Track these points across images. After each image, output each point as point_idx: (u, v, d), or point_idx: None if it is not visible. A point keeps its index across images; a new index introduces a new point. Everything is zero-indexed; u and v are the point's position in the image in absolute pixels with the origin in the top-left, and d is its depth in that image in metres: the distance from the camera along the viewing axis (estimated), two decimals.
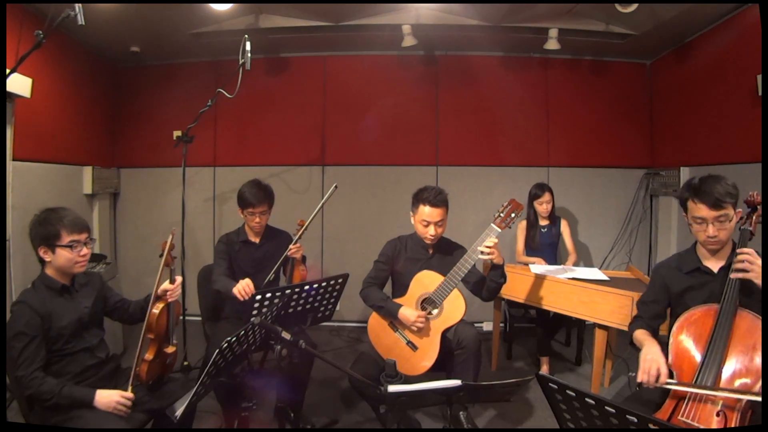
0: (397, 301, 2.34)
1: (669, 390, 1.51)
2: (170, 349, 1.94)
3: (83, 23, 2.00)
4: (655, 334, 1.78)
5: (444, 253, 2.43)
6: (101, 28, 3.30)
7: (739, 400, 1.38)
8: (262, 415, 2.25)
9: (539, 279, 2.84)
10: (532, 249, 3.44)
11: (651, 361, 1.51)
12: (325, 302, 2.17)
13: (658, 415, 1.48)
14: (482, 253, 2.12)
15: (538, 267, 3.10)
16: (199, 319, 2.81)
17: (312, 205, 4.14)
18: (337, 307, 2.27)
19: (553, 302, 2.79)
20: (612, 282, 2.75)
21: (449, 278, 2.20)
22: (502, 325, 3.33)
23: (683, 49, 3.63)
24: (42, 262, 1.74)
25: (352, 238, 4.15)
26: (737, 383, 1.43)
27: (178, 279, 1.96)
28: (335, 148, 4.18)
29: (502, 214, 2.16)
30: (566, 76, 4.14)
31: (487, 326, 3.84)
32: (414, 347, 2.27)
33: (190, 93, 4.02)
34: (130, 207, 4.28)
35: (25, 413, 1.69)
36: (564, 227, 3.48)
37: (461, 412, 2.19)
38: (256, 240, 2.65)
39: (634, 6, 2.91)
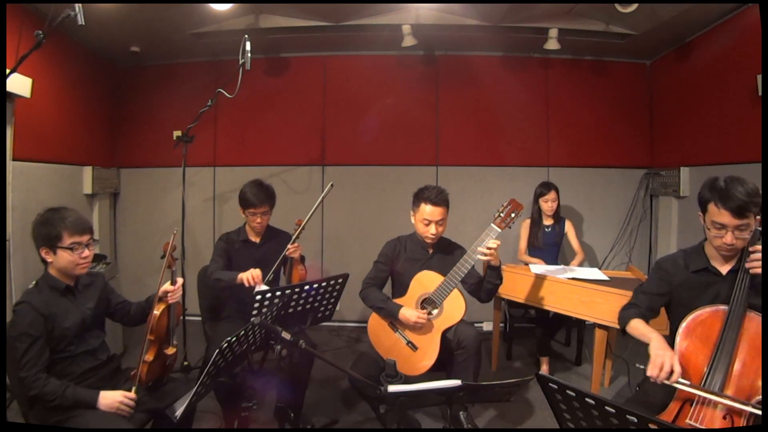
0: (397, 301, 2.34)
1: (673, 392, 1.49)
2: (170, 350, 1.94)
3: (83, 23, 2.00)
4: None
5: (444, 253, 2.43)
6: (101, 28, 3.30)
7: (747, 403, 1.37)
8: (262, 415, 2.25)
9: (539, 279, 2.84)
10: (535, 247, 3.44)
11: (664, 356, 1.46)
12: (325, 302, 2.17)
13: (662, 416, 1.47)
14: (482, 254, 2.12)
15: (538, 267, 3.10)
16: (199, 319, 2.81)
17: (312, 205, 4.18)
18: (337, 307, 2.27)
19: (553, 302, 2.79)
20: (612, 282, 2.75)
21: (449, 278, 2.20)
22: (502, 325, 3.33)
23: (683, 49, 3.63)
24: (45, 261, 1.74)
25: (352, 238, 4.15)
26: (745, 385, 1.41)
27: (179, 281, 1.97)
28: (335, 148, 4.18)
29: (502, 214, 2.16)
30: (566, 76, 4.14)
31: (487, 326, 3.84)
32: (414, 347, 2.27)
33: (190, 93, 4.02)
34: (130, 207, 4.28)
35: (25, 413, 1.69)
36: (569, 228, 3.49)
37: (461, 412, 2.19)
38: (257, 240, 2.66)
39: (634, 6, 2.91)
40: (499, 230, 2.14)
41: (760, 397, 1.38)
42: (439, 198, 2.30)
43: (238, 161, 4.19)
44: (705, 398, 1.41)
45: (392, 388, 1.49)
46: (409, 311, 2.25)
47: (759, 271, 1.49)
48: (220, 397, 2.24)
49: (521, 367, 3.32)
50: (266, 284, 2.52)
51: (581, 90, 4.14)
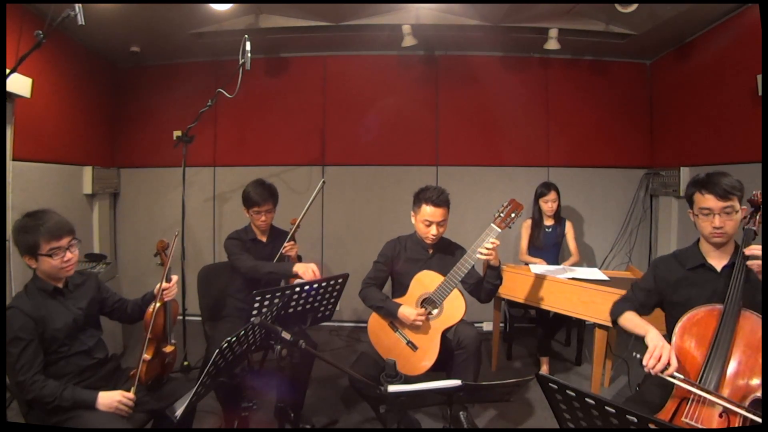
0: (397, 301, 2.34)
1: (671, 390, 1.50)
2: (169, 349, 1.93)
3: (83, 23, 2.00)
4: None
5: (444, 253, 2.43)
6: (101, 28, 3.30)
7: (742, 401, 1.38)
8: (262, 415, 2.25)
9: (539, 279, 2.84)
10: (536, 248, 3.45)
11: (661, 348, 1.49)
12: (325, 302, 2.17)
13: (660, 415, 1.47)
14: (481, 253, 2.12)
15: (539, 267, 3.10)
16: (199, 319, 2.81)
17: (312, 205, 4.17)
18: (337, 307, 2.27)
19: (553, 302, 2.79)
20: (612, 282, 2.74)
21: (449, 278, 2.20)
22: (502, 325, 3.33)
23: (683, 49, 3.63)
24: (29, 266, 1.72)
25: (352, 238, 4.15)
26: (741, 384, 1.42)
27: (174, 278, 1.96)
28: (335, 148, 4.18)
29: (502, 214, 2.16)
30: (566, 76, 4.14)
31: (487, 326, 3.84)
32: (414, 347, 2.27)
33: (190, 93, 4.02)
34: (130, 207, 4.28)
35: (25, 413, 1.69)
36: (569, 229, 3.49)
37: (461, 412, 2.18)
38: (264, 238, 2.68)
39: (634, 6, 2.91)
40: (499, 230, 2.15)
41: (756, 395, 1.39)
42: (440, 199, 2.30)
43: (238, 161, 4.19)
44: (701, 396, 1.42)
45: (392, 388, 1.49)
46: (408, 309, 2.25)
47: (758, 268, 1.49)
48: (220, 397, 2.24)
49: (521, 367, 3.32)
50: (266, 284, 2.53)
51: (581, 90, 4.14)
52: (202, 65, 4.17)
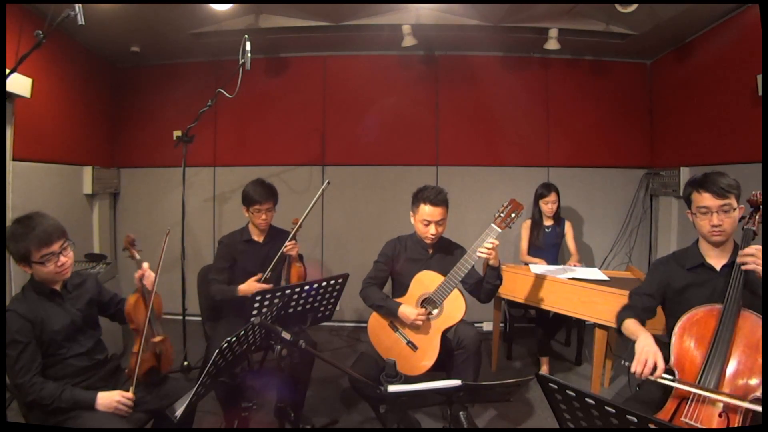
0: (397, 301, 2.34)
1: (671, 390, 1.50)
2: (157, 339, 1.89)
3: (83, 23, 2.00)
4: (643, 325, 1.76)
5: (444, 253, 2.43)
6: (101, 28, 3.30)
7: (742, 400, 1.38)
8: (262, 415, 2.25)
9: (539, 279, 2.84)
10: (536, 248, 3.45)
11: (647, 353, 1.50)
12: (325, 302, 2.17)
13: (659, 415, 1.47)
14: (481, 253, 2.12)
15: (538, 267, 3.10)
16: (199, 319, 2.81)
17: (312, 206, 4.18)
18: (337, 307, 2.27)
19: (553, 302, 2.79)
20: (612, 282, 2.75)
21: (449, 278, 2.20)
22: (502, 325, 3.33)
23: (683, 49, 3.63)
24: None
25: (352, 238, 4.15)
26: (740, 383, 1.42)
27: (145, 264, 1.92)
28: (335, 148, 4.18)
29: (502, 214, 2.16)
30: (566, 76, 4.14)
31: (487, 326, 3.84)
32: (414, 347, 2.27)
33: (190, 93, 4.02)
34: (130, 207, 4.28)
35: (25, 413, 1.69)
36: (568, 229, 3.49)
37: (461, 412, 2.18)
38: (260, 239, 2.67)
39: (634, 6, 2.91)
40: (500, 230, 2.14)
41: (756, 394, 1.39)
42: (439, 198, 2.30)
43: (238, 161, 4.19)
44: (700, 396, 1.42)
45: (392, 388, 1.49)
46: (408, 309, 2.25)
47: (752, 267, 1.50)
48: (220, 397, 2.24)
49: (521, 367, 3.32)
50: (265, 282, 2.53)
51: (581, 90, 4.14)
52: (202, 65, 4.17)
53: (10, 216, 2.77)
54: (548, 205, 3.38)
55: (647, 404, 1.63)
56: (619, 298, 2.48)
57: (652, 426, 1.03)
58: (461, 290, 2.28)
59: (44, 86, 3.14)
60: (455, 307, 2.23)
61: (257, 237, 2.67)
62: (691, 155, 3.55)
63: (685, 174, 3.55)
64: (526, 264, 3.32)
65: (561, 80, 4.14)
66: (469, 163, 4.14)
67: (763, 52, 2.39)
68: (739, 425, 1.36)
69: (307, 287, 2.04)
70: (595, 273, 2.95)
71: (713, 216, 1.62)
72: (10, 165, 2.89)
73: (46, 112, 3.25)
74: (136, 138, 4.25)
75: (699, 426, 1.39)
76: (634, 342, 1.68)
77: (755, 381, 1.41)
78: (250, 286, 2.45)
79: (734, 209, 1.61)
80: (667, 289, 1.77)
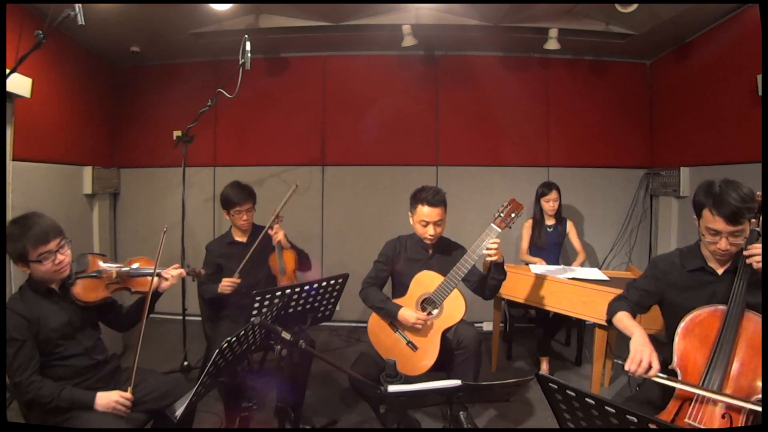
0: (397, 301, 2.34)
1: (672, 391, 1.50)
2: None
3: (83, 23, 1.99)
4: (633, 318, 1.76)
5: (444, 253, 2.43)
6: (101, 28, 3.30)
7: (737, 400, 1.37)
8: (262, 415, 2.25)
9: (539, 279, 2.84)
10: (537, 247, 3.45)
11: (642, 352, 1.48)
12: (325, 302, 2.17)
13: (661, 416, 1.46)
14: (488, 249, 2.12)
15: (538, 267, 3.10)
16: (199, 319, 2.81)
17: (312, 205, 4.19)
18: (337, 307, 2.27)
19: (553, 302, 2.79)
20: (612, 282, 2.75)
21: (449, 278, 2.20)
22: (502, 325, 3.33)
23: (683, 49, 3.63)
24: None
25: (352, 238, 4.15)
26: (744, 385, 1.41)
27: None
28: (335, 148, 4.18)
29: (502, 214, 2.16)
30: (566, 76, 4.14)
31: (487, 326, 3.84)
32: (414, 347, 2.27)
33: (190, 93, 4.02)
34: (130, 207, 4.28)
35: (25, 413, 1.69)
36: (570, 228, 3.50)
37: (461, 412, 2.19)
38: (244, 239, 2.70)
39: (634, 6, 2.91)
40: (500, 230, 2.14)
41: (759, 396, 1.38)
42: (436, 198, 2.29)
43: (238, 161, 4.19)
44: (703, 397, 1.42)
45: (392, 388, 1.49)
46: (408, 312, 2.24)
47: (758, 265, 1.49)
48: (223, 395, 2.24)
49: (521, 367, 3.32)
50: (252, 278, 2.57)
51: (581, 90, 4.14)
52: (202, 65, 4.17)
53: (11, 216, 2.77)
54: (549, 204, 3.39)
55: (647, 404, 1.62)
56: None
57: (652, 426, 1.03)
58: (461, 290, 2.28)
59: (44, 86, 3.14)
60: (455, 307, 2.22)
61: (240, 237, 2.71)
62: (691, 155, 3.55)
63: (685, 174, 3.56)
64: (526, 263, 3.32)
65: (561, 80, 4.14)
66: (469, 163, 4.14)
67: (763, 52, 2.39)
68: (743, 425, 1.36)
69: (307, 287, 2.04)
70: (595, 273, 2.95)
71: (722, 240, 1.53)
72: (10, 165, 2.89)
73: (46, 112, 3.25)
74: (136, 138, 4.25)
75: (702, 427, 1.39)
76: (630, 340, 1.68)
77: (759, 382, 1.40)
78: (224, 282, 2.49)
79: (745, 235, 1.52)
80: (665, 287, 1.75)
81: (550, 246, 3.45)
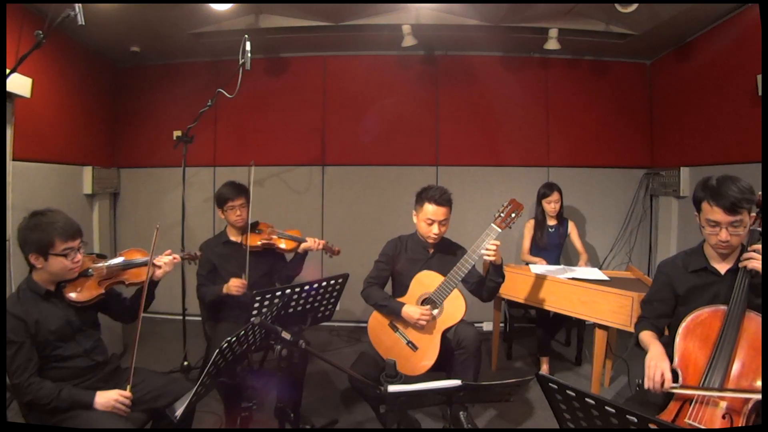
0: (399, 300, 2.34)
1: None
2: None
3: (83, 23, 1.99)
4: (661, 333, 1.76)
5: (444, 253, 2.43)
6: (101, 28, 3.30)
7: (746, 402, 1.37)
8: (262, 415, 2.25)
9: (539, 279, 2.84)
10: (539, 248, 3.45)
11: (655, 368, 1.50)
12: (325, 302, 2.17)
13: (662, 416, 1.47)
14: (487, 249, 2.12)
15: (538, 267, 3.10)
16: (199, 319, 2.81)
17: (312, 205, 4.19)
18: (337, 307, 2.27)
19: (553, 302, 2.79)
20: (612, 282, 2.75)
21: (449, 278, 2.20)
22: (502, 325, 3.33)
23: (683, 49, 3.64)
24: (32, 266, 1.69)
25: (352, 238, 4.15)
26: (744, 385, 1.42)
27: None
28: (335, 148, 4.18)
29: (502, 215, 2.16)
30: (566, 76, 4.14)
31: (487, 326, 3.84)
32: (414, 347, 2.27)
33: (190, 93, 4.02)
34: (130, 207, 4.28)
35: (25, 413, 1.69)
36: (572, 228, 3.50)
37: (461, 412, 2.18)
38: (238, 239, 2.69)
39: (634, 6, 2.91)
40: (500, 230, 2.15)
41: (760, 396, 1.39)
42: (443, 198, 2.30)
43: (238, 161, 4.17)
44: (704, 397, 1.42)
45: (392, 388, 1.49)
46: (412, 308, 2.25)
47: (754, 266, 1.49)
48: (223, 395, 2.24)
49: (521, 367, 3.32)
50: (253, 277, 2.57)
51: (581, 90, 4.14)
52: (202, 65, 4.17)
53: (10, 216, 2.77)
54: (551, 205, 3.39)
55: (647, 404, 1.62)
56: (619, 298, 2.49)
57: (652, 426, 1.03)
58: (461, 290, 2.28)
59: (44, 86, 3.14)
60: (455, 307, 2.23)
61: (235, 237, 2.71)
62: (691, 155, 3.55)
63: (685, 174, 3.56)
64: (527, 264, 3.32)
65: (561, 80, 4.14)
66: (469, 163, 4.14)
67: (763, 52, 2.39)
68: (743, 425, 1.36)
69: (307, 287, 2.04)
70: (595, 273, 2.95)
71: (722, 232, 1.55)
72: (10, 165, 2.89)
73: (46, 112, 3.25)
74: (136, 138, 4.25)
75: (702, 427, 1.39)
76: (636, 342, 1.68)
77: (759, 383, 1.40)
78: (230, 285, 2.49)
79: (745, 225, 1.54)
80: (674, 290, 1.75)
81: (552, 246, 3.45)
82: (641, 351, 1.62)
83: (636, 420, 1.02)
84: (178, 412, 1.65)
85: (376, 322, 2.39)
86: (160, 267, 1.92)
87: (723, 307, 1.53)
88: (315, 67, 4.19)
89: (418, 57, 4.14)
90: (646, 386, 1.49)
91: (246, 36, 2.88)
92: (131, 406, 1.69)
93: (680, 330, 1.57)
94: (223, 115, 4.16)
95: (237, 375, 1.99)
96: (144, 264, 1.94)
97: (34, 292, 1.69)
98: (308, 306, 2.11)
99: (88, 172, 3.72)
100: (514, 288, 2.91)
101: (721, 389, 1.40)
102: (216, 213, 4.17)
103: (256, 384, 2.11)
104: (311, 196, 4.19)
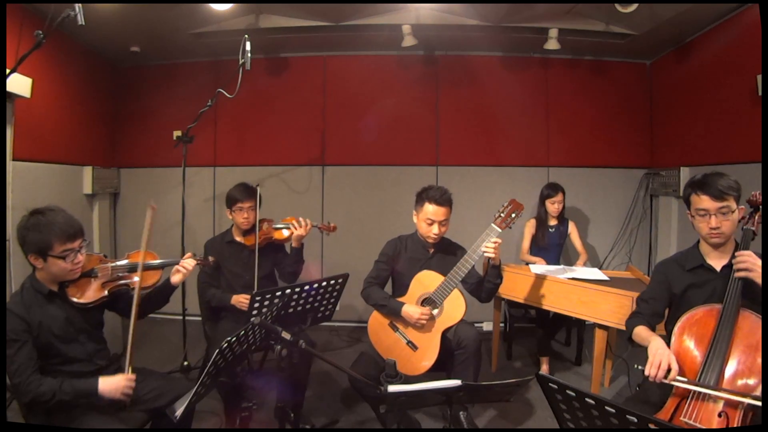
0: (399, 300, 2.34)
1: (671, 390, 1.50)
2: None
3: (83, 23, 1.99)
4: (653, 331, 1.77)
5: (444, 253, 2.43)
6: (101, 28, 3.30)
7: (746, 395, 1.38)
8: (262, 415, 2.25)
9: (539, 279, 2.84)
10: (539, 248, 3.46)
11: (660, 356, 1.50)
12: (325, 302, 2.17)
13: (659, 415, 1.47)
14: (487, 248, 2.13)
15: (538, 267, 3.10)
16: (199, 319, 2.81)
17: (312, 205, 4.19)
18: (337, 307, 2.27)
19: (553, 302, 2.79)
20: (612, 282, 2.75)
21: (449, 278, 2.20)
22: (502, 325, 3.33)
23: (683, 49, 3.63)
24: (32, 265, 1.66)
25: (352, 238, 4.15)
26: (739, 383, 1.42)
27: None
28: (335, 148, 4.18)
29: (502, 215, 2.17)
30: (566, 76, 4.14)
31: (487, 326, 3.84)
32: (414, 347, 2.27)
33: (190, 93, 4.02)
34: (130, 207, 4.28)
35: (25, 413, 1.69)
36: (572, 228, 3.50)
37: (461, 412, 2.19)
38: (242, 239, 2.70)
39: (634, 6, 2.91)
40: (500, 230, 2.15)
41: (755, 394, 1.39)
42: (443, 198, 2.30)
43: (238, 161, 4.19)
44: (699, 394, 1.43)
45: (392, 388, 1.49)
46: (411, 308, 2.25)
47: (745, 274, 1.51)
48: (223, 395, 2.24)
49: (521, 367, 3.32)
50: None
51: (581, 90, 4.14)
52: (202, 65, 4.17)
53: (10, 216, 2.77)
54: (555, 205, 3.39)
55: (647, 404, 1.63)
56: (619, 298, 2.49)
57: (652, 426, 1.03)
58: (461, 290, 2.28)
59: (44, 86, 3.14)
60: (455, 307, 2.23)
61: (239, 238, 2.71)
62: (691, 155, 3.55)
63: (685, 174, 3.55)
64: (527, 263, 3.32)
65: (561, 80, 4.14)
66: (469, 163, 4.14)
67: (763, 52, 2.39)
68: (738, 425, 1.36)
69: (307, 287, 2.04)
70: (595, 273, 2.95)
71: (711, 218, 1.61)
72: (10, 165, 2.89)
73: (46, 112, 3.25)
74: (136, 138, 4.25)
75: (698, 425, 1.39)
76: (638, 345, 1.68)
77: (754, 381, 1.41)
78: (239, 299, 2.51)
79: (733, 211, 1.60)
80: (670, 291, 1.77)
81: (552, 246, 3.45)
82: (641, 351, 1.62)
83: (636, 420, 1.02)
84: (178, 412, 1.65)
85: (376, 321, 2.39)
86: (179, 270, 1.92)
87: (718, 306, 1.55)
88: (315, 67, 4.19)
89: (418, 57, 4.14)
90: (647, 373, 1.49)
91: (246, 36, 2.88)
92: (131, 406, 1.68)
93: (676, 329, 1.58)
94: (223, 115, 4.16)
95: (237, 375, 1.99)
96: (151, 267, 1.93)
97: (38, 291, 1.67)
98: (308, 306, 2.11)
99: (88, 172, 3.72)
100: (514, 288, 2.91)
101: (721, 389, 1.40)
102: (216, 213, 4.20)
103: (256, 384, 2.11)
104: (311, 196, 4.19)
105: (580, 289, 2.68)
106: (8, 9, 2.57)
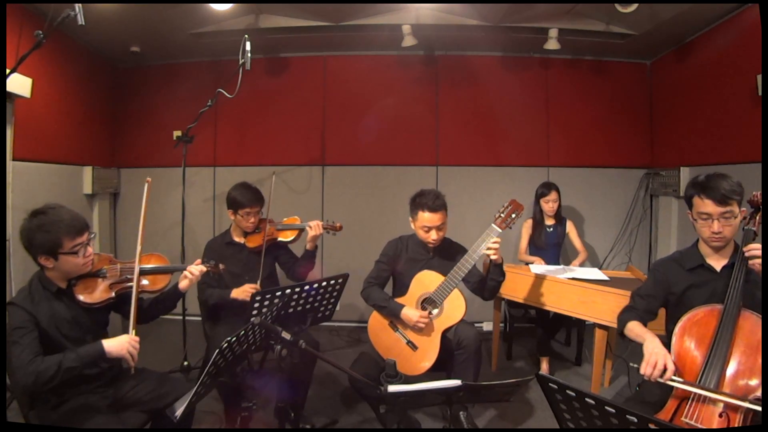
0: (398, 301, 2.34)
1: (671, 390, 1.50)
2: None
3: (83, 23, 1.99)
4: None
5: (444, 253, 2.43)
6: (101, 28, 3.30)
7: (744, 402, 1.38)
8: (262, 415, 2.25)
9: (539, 279, 2.84)
10: (537, 247, 3.45)
11: (656, 355, 1.49)
12: (325, 302, 2.17)
13: (660, 415, 1.47)
14: (489, 248, 2.13)
15: (538, 267, 3.10)
16: (199, 319, 2.81)
17: (312, 205, 4.19)
18: (337, 307, 2.27)
19: (553, 302, 2.79)
20: (612, 282, 2.75)
21: (449, 278, 2.21)
22: (502, 325, 3.33)
23: (683, 49, 3.64)
24: (41, 266, 1.65)
25: (352, 238, 4.14)
26: (741, 384, 1.42)
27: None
28: (335, 148, 4.18)
29: (502, 215, 2.17)
30: (566, 76, 4.14)
31: (487, 326, 3.84)
32: (414, 347, 2.27)
33: (190, 93, 4.02)
34: (130, 207, 4.28)
35: (26, 413, 1.68)
36: (570, 228, 3.50)
37: (461, 412, 2.18)
38: (242, 240, 2.70)
39: (634, 6, 2.91)
40: (500, 230, 2.15)
41: (756, 394, 1.39)
42: (437, 203, 2.28)
43: (238, 161, 4.19)
44: (700, 395, 1.42)
45: (392, 388, 1.49)
46: (411, 311, 2.25)
47: (757, 262, 1.50)
48: (223, 395, 2.24)
49: (521, 367, 3.32)
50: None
51: (581, 90, 4.14)
52: (202, 65, 4.17)
53: (10, 216, 2.77)
54: (549, 204, 3.39)
55: (647, 404, 1.63)
56: (619, 298, 2.48)
57: (652, 426, 1.03)
58: (461, 290, 2.28)
59: (44, 86, 3.14)
60: (455, 307, 2.23)
61: (239, 238, 2.70)
62: (691, 155, 3.55)
63: (685, 174, 3.55)
64: (526, 264, 3.32)
65: (561, 80, 4.13)
66: (469, 163, 4.14)
67: (763, 52, 2.39)
68: (739, 425, 1.36)
69: (307, 287, 2.04)
70: (595, 273, 2.95)
71: (714, 223, 1.60)
72: (10, 165, 2.89)
73: (46, 112, 3.25)
74: (136, 138, 4.25)
75: (699, 426, 1.39)
76: (635, 342, 1.68)
77: (755, 381, 1.41)
78: (243, 289, 2.47)
79: (735, 216, 1.59)
80: (668, 290, 1.77)
81: (550, 246, 3.45)
82: (638, 351, 1.61)
83: (636, 420, 1.02)
84: (178, 412, 1.65)
85: (376, 321, 2.39)
86: (186, 276, 1.93)
87: (719, 306, 1.54)
88: (315, 67, 4.19)
89: (418, 57, 4.14)
90: (642, 371, 1.49)
91: (246, 36, 2.88)
92: (131, 406, 1.68)
93: (676, 330, 1.58)
94: (223, 115, 4.16)
95: (237, 375, 1.99)
96: (160, 271, 1.93)
97: (46, 289, 1.66)
98: (308, 306, 2.11)
99: (88, 172, 3.72)
100: (514, 288, 2.91)
101: (719, 392, 1.40)
102: (216, 213, 4.20)
103: (256, 384, 2.11)
104: (311, 196, 4.19)
105: (580, 289, 2.68)
106: (8, 9, 2.57)
